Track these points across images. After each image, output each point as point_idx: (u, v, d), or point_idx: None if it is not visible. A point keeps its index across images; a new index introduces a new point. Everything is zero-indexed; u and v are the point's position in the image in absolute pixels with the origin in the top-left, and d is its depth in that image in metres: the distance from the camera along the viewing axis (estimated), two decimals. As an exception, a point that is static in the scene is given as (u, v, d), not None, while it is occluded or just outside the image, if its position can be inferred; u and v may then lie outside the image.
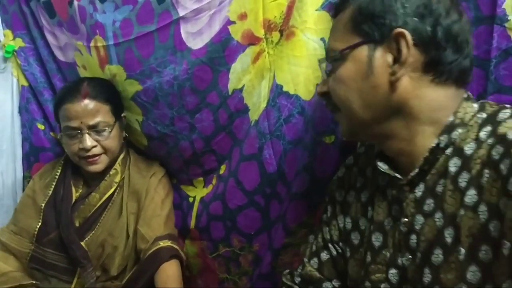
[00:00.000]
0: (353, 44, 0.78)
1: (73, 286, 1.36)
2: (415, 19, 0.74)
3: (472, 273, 0.68)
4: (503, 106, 0.74)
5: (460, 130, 0.74)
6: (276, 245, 1.24)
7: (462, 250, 0.69)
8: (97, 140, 1.32)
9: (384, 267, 0.82)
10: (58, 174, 1.44)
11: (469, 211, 0.69)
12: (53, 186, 1.43)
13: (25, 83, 1.65)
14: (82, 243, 1.35)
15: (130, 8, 1.28)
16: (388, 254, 0.81)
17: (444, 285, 0.71)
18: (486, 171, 0.67)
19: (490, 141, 0.69)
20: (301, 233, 1.21)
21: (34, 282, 1.34)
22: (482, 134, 0.71)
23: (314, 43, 1.11)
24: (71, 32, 1.43)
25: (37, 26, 1.58)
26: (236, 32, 1.22)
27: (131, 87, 1.35)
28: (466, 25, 0.77)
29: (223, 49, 1.23)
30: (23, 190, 1.65)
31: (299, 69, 1.14)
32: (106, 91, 1.35)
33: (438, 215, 0.73)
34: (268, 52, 1.22)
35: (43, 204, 1.40)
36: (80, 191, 1.42)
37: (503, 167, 0.65)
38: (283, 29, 1.18)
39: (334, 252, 0.97)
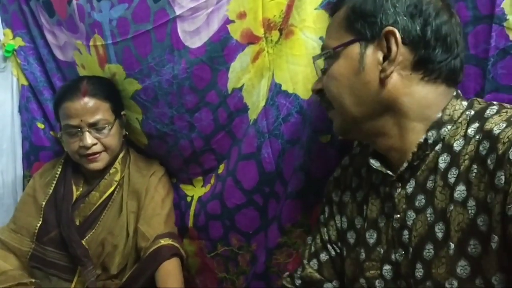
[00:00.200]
0: (345, 42, 0.80)
1: (73, 284, 1.37)
2: (405, 18, 0.76)
3: (462, 268, 0.69)
4: (490, 103, 0.76)
5: (449, 127, 0.76)
6: (271, 245, 1.24)
7: (452, 245, 0.70)
8: (97, 138, 1.33)
9: (378, 263, 0.83)
10: (58, 173, 1.45)
11: (458, 206, 0.70)
12: (53, 185, 1.43)
13: (25, 82, 1.66)
14: (83, 242, 1.35)
15: (126, 6, 1.28)
16: (382, 251, 0.83)
17: (436, 280, 0.72)
18: (474, 166, 0.69)
19: (477, 137, 0.71)
20: (296, 233, 1.20)
21: (33, 280, 1.35)
22: (470, 131, 0.73)
23: (313, 42, 1.12)
24: (71, 31, 1.43)
25: (36, 25, 1.58)
26: (235, 31, 1.21)
27: (131, 86, 1.35)
28: (457, 26, 0.79)
29: (222, 48, 1.23)
30: (23, 189, 1.66)
31: (298, 68, 1.14)
32: (106, 89, 1.36)
33: (429, 210, 0.75)
34: (267, 51, 1.22)
35: (44, 203, 1.41)
36: (81, 189, 1.42)
37: (489, 162, 0.66)
38: (283, 28, 1.18)
39: (333, 253, 0.98)
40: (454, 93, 0.79)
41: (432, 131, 0.76)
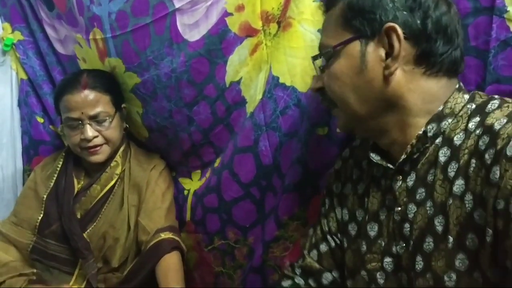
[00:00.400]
0: (345, 40, 0.78)
1: (74, 277, 1.37)
2: (405, 12, 0.75)
3: (460, 261, 0.70)
4: (492, 97, 0.76)
5: (449, 120, 0.75)
6: (268, 238, 1.24)
7: (450, 238, 0.70)
8: (98, 131, 1.33)
9: (379, 256, 0.83)
10: (59, 166, 1.45)
11: (456, 200, 0.70)
12: (54, 178, 1.44)
13: (24, 76, 1.66)
14: (84, 235, 1.35)
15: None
16: (383, 243, 0.83)
17: (435, 273, 0.73)
18: (473, 161, 0.69)
19: (478, 131, 0.70)
20: (292, 226, 1.20)
21: (35, 271, 1.35)
22: (471, 125, 0.72)
23: (311, 34, 1.11)
24: (70, 24, 1.42)
25: (36, 19, 1.58)
26: (234, 24, 1.21)
27: (130, 80, 1.35)
28: (455, 16, 0.78)
29: (220, 41, 1.22)
30: (23, 183, 1.66)
31: (296, 60, 1.14)
32: (106, 81, 1.36)
33: (429, 203, 0.75)
34: (265, 44, 1.21)
35: (45, 196, 1.41)
36: (82, 182, 1.43)
37: (487, 156, 0.66)
38: (281, 20, 1.17)
39: (333, 244, 0.98)
40: (457, 86, 0.78)
41: (432, 123, 0.76)
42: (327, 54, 0.82)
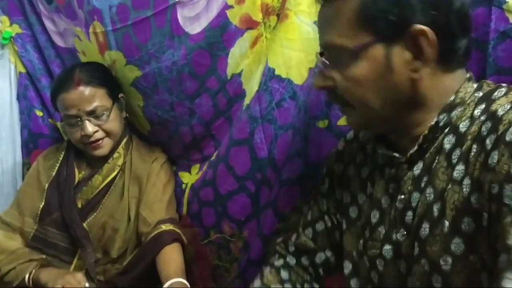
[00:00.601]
0: (365, 43, 0.72)
1: (72, 266, 1.38)
2: (432, 12, 0.70)
3: (456, 245, 0.69)
4: (499, 85, 0.75)
5: (459, 109, 0.75)
6: (267, 232, 1.24)
7: (446, 223, 0.70)
8: (97, 125, 1.33)
9: (379, 243, 0.83)
10: (61, 156, 1.47)
11: (456, 185, 0.70)
12: (56, 167, 1.45)
13: (23, 70, 1.65)
14: (84, 224, 1.36)
15: (125, -8, 1.27)
16: (383, 231, 0.83)
17: (430, 257, 0.73)
18: (474, 146, 0.68)
19: (482, 118, 0.70)
20: (293, 218, 1.20)
21: (43, 257, 1.37)
22: (477, 112, 0.72)
23: (307, 26, 1.11)
24: (69, 18, 1.42)
25: (34, 12, 1.57)
26: (234, 17, 1.21)
27: (131, 73, 1.35)
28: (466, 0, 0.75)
29: (221, 34, 1.22)
30: (23, 177, 1.67)
31: (292, 52, 1.13)
32: (100, 75, 1.36)
33: (429, 190, 0.74)
34: (265, 37, 1.21)
35: (47, 185, 1.42)
36: (83, 172, 1.44)
37: (488, 141, 0.66)
38: (280, 13, 1.17)
39: (329, 224, 0.99)
40: (467, 75, 0.77)
41: (444, 114, 0.75)
42: (340, 55, 0.75)
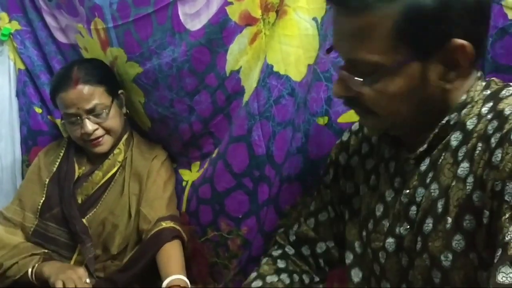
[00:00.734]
0: (403, 61, 0.70)
1: (72, 262, 1.39)
2: (470, 25, 0.68)
3: (457, 242, 0.70)
4: (507, 84, 0.75)
5: (468, 107, 0.74)
6: (268, 228, 1.24)
7: (449, 219, 0.71)
8: (97, 123, 1.34)
9: (383, 236, 0.84)
10: (62, 151, 1.47)
11: (460, 183, 0.70)
12: (57, 163, 1.45)
13: (22, 67, 1.65)
14: (84, 220, 1.37)
15: (126, -11, 1.27)
16: (387, 224, 0.83)
17: (431, 253, 0.73)
18: (480, 144, 0.69)
19: (489, 116, 0.70)
20: (295, 214, 1.20)
21: (46, 251, 1.37)
22: (484, 110, 0.72)
23: (306, 22, 1.11)
24: (70, 14, 1.42)
25: (34, 8, 1.57)
26: (234, 13, 1.21)
27: (132, 69, 1.35)
28: None
29: (221, 30, 1.22)
30: (22, 173, 1.67)
31: (290, 49, 1.13)
32: (98, 72, 1.36)
33: (434, 186, 0.75)
34: (264, 33, 1.21)
35: (47, 180, 1.43)
36: (83, 168, 1.44)
37: (493, 140, 0.66)
38: (279, 9, 1.17)
39: (333, 214, 0.99)
40: (478, 74, 0.77)
41: (455, 113, 0.75)
42: (371, 70, 0.72)
